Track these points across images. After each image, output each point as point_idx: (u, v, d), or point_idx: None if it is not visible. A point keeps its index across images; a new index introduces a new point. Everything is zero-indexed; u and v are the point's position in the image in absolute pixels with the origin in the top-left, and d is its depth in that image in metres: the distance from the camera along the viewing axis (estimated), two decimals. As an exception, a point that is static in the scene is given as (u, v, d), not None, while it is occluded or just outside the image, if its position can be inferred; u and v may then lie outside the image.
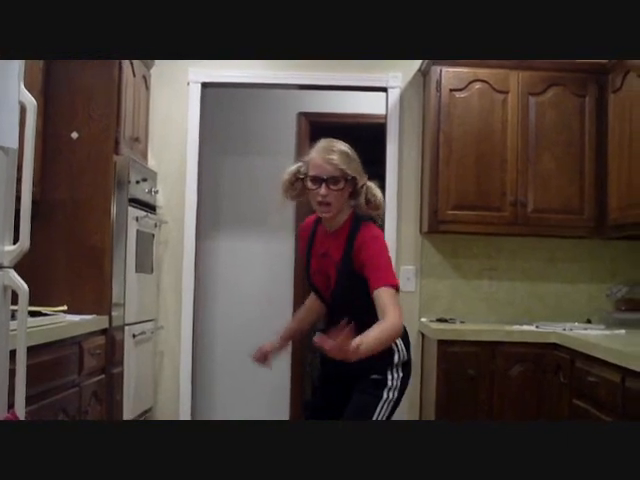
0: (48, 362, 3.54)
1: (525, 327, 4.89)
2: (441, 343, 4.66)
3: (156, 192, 5.24)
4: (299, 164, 3.40)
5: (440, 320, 5.17)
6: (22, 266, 2.89)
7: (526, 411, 4.60)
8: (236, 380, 6.51)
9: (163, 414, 5.39)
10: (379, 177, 5.61)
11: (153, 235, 5.16)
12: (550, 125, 5.09)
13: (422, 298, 5.42)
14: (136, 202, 4.78)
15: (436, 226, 5.11)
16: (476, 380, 4.61)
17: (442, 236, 5.35)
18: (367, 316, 3.16)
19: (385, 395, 3.34)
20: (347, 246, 3.31)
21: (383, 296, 3.16)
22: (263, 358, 3.66)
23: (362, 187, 3.36)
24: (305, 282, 3.73)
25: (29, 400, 3.13)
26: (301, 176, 3.37)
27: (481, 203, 5.06)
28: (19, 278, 2.80)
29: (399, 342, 3.37)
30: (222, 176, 6.63)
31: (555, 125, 5.09)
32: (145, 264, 4.99)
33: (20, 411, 2.82)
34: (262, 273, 6.51)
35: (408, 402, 5.14)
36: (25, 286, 2.80)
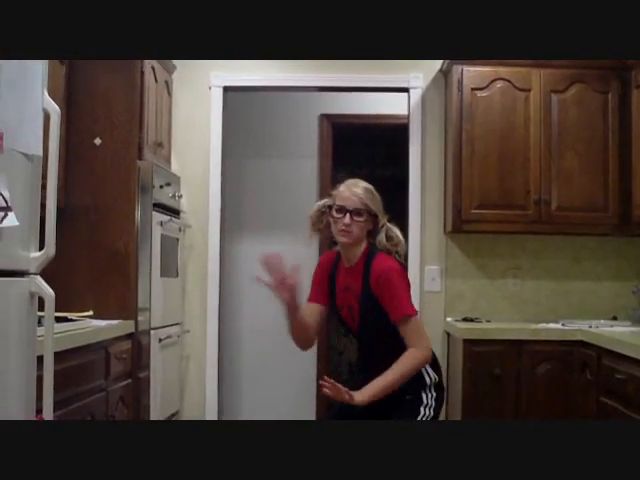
0: (75, 367, 3.56)
1: (551, 325, 4.86)
2: (467, 342, 4.65)
3: (180, 196, 5.26)
4: (325, 199, 3.63)
5: (465, 319, 5.16)
6: (47, 272, 2.91)
7: (553, 409, 4.58)
8: (262, 383, 6.53)
9: (190, 418, 5.40)
10: (402, 178, 5.64)
11: (177, 239, 5.18)
12: (573, 122, 5.07)
13: (447, 298, 5.41)
14: (160, 207, 4.80)
15: (460, 225, 5.09)
16: (502, 379, 4.59)
17: (466, 235, 5.34)
18: (393, 343, 3.41)
19: (422, 411, 3.51)
20: (364, 277, 3.50)
21: (404, 328, 3.39)
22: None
23: (382, 226, 3.56)
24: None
25: (57, 405, 3.14)
26: (326, 209, 3.60)
27: (505, 202, 5.04)
28: (45, 284, 2.82)
29: (427, 366, 3.52)
30: (245, 179, 6.65)
31: (578, 122, 5.07)
32: (170, 268, 5.00)
33: (48, 417, 2.84)
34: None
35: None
36: (51, 292, 2.82)
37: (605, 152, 5.05)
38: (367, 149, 9.27)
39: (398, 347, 3.38)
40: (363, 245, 3.56)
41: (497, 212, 5.05)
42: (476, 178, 5.05)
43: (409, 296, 3.47)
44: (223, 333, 5.64)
